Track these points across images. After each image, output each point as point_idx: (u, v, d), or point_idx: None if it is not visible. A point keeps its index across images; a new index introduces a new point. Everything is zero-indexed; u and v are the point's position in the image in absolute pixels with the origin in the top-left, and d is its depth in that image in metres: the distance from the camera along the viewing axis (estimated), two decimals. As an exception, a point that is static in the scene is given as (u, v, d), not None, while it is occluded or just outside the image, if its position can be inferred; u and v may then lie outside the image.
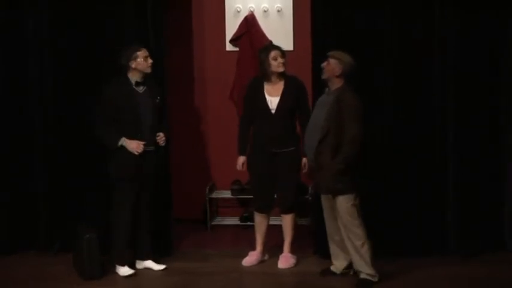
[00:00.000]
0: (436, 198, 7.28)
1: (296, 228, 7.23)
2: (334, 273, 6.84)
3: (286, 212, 7.14)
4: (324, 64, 6.52)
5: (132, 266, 7.04)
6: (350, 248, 6.59)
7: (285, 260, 7.17)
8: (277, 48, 7.04)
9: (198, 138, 8.56)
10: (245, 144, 7.14)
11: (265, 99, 6.99)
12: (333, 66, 6.47)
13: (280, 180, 7.05)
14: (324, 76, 6.53)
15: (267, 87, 7.02)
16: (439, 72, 7.18)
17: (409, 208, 7.23)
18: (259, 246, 7.27)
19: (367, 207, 7.03)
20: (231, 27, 8.38)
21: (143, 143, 6.78)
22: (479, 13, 7.15)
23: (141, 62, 6.80)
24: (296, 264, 7.18)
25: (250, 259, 7.24)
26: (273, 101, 6.98)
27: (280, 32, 8.31)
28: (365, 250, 6.53)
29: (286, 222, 7.17)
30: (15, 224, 7.59)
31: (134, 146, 6.76)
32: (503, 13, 7.18)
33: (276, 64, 6.96)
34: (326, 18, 7.17)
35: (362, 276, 6.61)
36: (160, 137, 6.93)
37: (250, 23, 8.33)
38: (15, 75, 7.50)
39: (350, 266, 6.76)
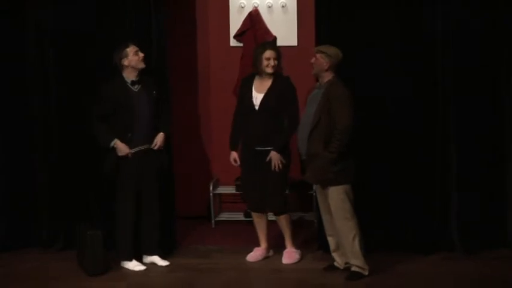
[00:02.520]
0: (440, 196, 7.27)
1: (292, 223, 7.21)
2: (337, 269, 6.86)
3: (278, 214, 7.13)
4: (312, 60, 6.57)
5: (139, 260, 7.09)
6: (342, 239, 6.62)
7: (288, 256, 7.18)
8: (274, 48, 7.01)
9: (202, 134, 8.56)
10: (235, 139, 7.15)
11: (251, 95, 6.99)
12: (320, 61, 6.53)
13: (266, 181, 7.01)
14: (314, 72, 6.60)
15: (255, 83, 7.02)
16: (442, 70, 7.16)
17: (413, 206, 7.23)
18: (263, 243, 7.28)
19: (371, 205, 7.06)
20: (235, 23, 8.37)
21: (131, 150, 6.86)
22: (481, 11, 7.15)
23: (132, 58, 6.82)
24: (300, 259, 7.19)
25: (255, 254, 7.25)
26: (257, 98, 6.96)
27: (285, 28, 8.31)
28: (356, 242, 6.57)
29: (280, 222, 7.17)
30: (18, 221, 7.61)
31: (120, 148, 6.85)
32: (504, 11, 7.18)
33: (266, 64, 6.93)
34: (330, 14, 7.16)
35: (353, 268, 6.66)
36: (157, 144, 6.99)
37: (254, 19, 8.31)
38: (15, 74, 7.50)
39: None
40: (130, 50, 6.82)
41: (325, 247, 7.25)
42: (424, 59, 7.15)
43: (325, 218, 6.80)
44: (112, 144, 6.86)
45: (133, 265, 7.03)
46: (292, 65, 8.16)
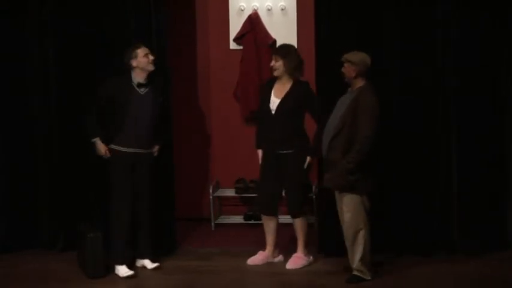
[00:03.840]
0: (440, 198, 7.25)
1: (306, 229, 7.15)
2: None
3: (294, 216, 7.10)
4: (342, 69, 6.57)
5: (132, 265, 7.04)
6: (348, 244, 6.61)
7: (294, 261, 7.13)
8: (274, 52, 7.05)
9: (202, 137, 8.56)
10: (259, 138, 7.17)
11: (269, 99, 6.99)
12: (348, 69, 6.54)
13: (285, 183, 7.03)
14: (346, 80, 6.59)
15: (275, 88, 7.02)
16: (442, 70, 7.15)
17: (413, 207, 7.22)
18: (268, 247, 7.24)
19: (372, 206, 7.05)
20: (235, 26, 8.38)
21: (108, 155, 6.90)
22: (481, 11, 7.15)
23: (141, 59, 6.80)
24: (307, 265, 7.13)
25: (255, 259, 7.22)
26: (275, 102, 6.96)
27: (284, 31, 8.31)
28: (361, 249, 6.55)
29: (295, 225, 7.13)
30: (19, 222, 7.61)
31: (98, 148, 6.91)
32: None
33: (271, 66, 7.00)
34: (330, 17, 7.17)
35: (354, 272, 6.64)
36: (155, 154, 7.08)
37: (254, 22, 8.32)
38: (15, 74, 7.51)
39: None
40: (141, 51, 6.80)
41: (325, 250, 7.29)
42: (424, 59, 7.14)
43: (341, 219, 6.75)
44: (93, 140, 6.90)
45: (123, 272, 6.94)
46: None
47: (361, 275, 6.63)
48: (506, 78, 7.22)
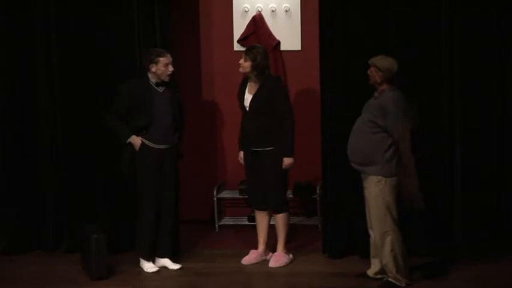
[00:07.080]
0: (444, 198, 7.24)
1: (288, 226, 7.22)
2: (368, 277, 6.76)
3: (276, 212, 7.18)
4: (368, 71, 6.53)
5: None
6: (380, 247, 6.52)
7: (275, 259, 7.19)
8: (245, 50, 7.11)
9: (206, 138, 8.55)
10: (240, 139, 7.27)
11: (244, 97, 7.12)
12: (373, 73, 6.49)
13: (264, 181, 7.10)
14: (370, 82, 6.55)
15: (249, 85, 7.13)
16: (446, 69, 7.13)
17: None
18: (260, 245, 7.30)
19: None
20: (239, 27, 8.37)
21: (146, 142, 6.90)
22: (484, 11, 7.13)
23: (160, 68, 6.87)
24: (289, 263, 7.19)
25: (249, 257, 7.27)
26: (248, 99, 7.07)
27: (288, 32, 8.30)
28: (394, 253, 6.46)
29: (276, 222, 7.21)
30: (23, 224, 7.60)
31: (135, 143, 6.90)
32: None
33: (239, 64, 7.08)
34: (334, 18, 7.17)
35: (389, 279, 6.55)
36: None
37: (258, 23, 8.31)
38: (17, 73, 7.51)
39: (383, 271, 6.64)
40: (163, 60, 6.87)
41: (330, 252, 7.30)
42: (427, 59, 7.13)
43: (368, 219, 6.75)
44: (129, 140, 6.91)
45: (148, 266, 7.05)
46: (296, 69, 8.20)
47: (396, 283, 6.52)
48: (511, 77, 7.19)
